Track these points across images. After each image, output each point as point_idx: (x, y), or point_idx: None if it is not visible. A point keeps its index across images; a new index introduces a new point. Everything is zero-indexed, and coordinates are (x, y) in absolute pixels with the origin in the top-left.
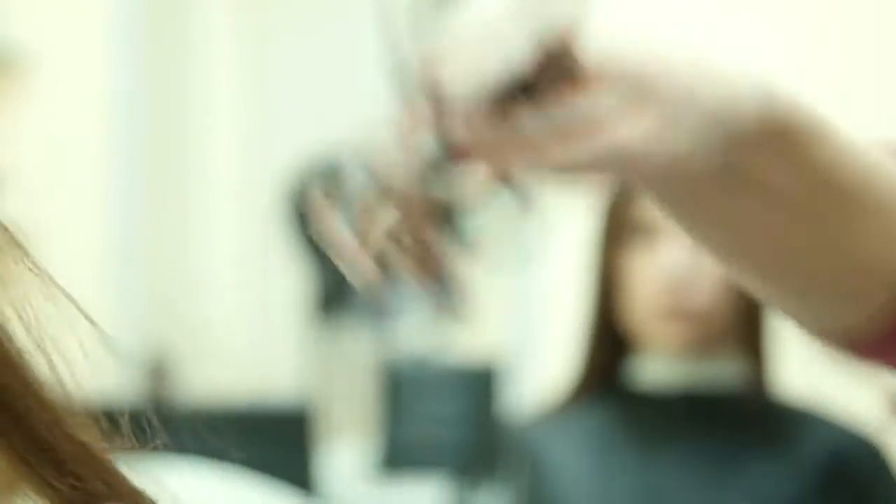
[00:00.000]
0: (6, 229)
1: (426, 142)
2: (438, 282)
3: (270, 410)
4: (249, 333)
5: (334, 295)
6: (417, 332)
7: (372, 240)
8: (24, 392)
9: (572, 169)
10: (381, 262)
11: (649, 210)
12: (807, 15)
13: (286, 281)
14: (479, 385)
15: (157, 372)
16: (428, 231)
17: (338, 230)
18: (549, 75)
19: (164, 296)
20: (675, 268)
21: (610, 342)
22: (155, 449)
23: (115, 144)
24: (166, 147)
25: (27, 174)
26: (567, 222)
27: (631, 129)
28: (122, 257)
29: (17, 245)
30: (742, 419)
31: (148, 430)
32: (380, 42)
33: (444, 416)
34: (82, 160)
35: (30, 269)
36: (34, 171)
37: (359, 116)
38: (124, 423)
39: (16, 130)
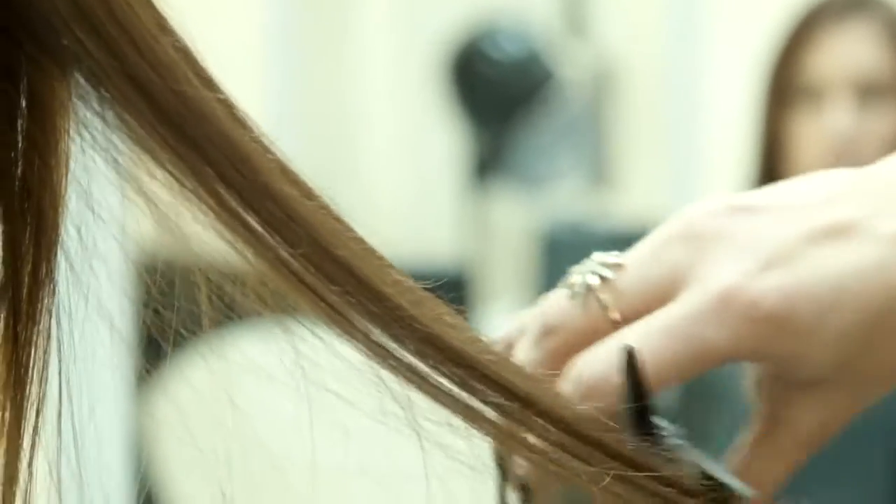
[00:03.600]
0: None
1: None
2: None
3: (427, 274)
4: (406, 198)
5: (490, 159)
6: (573, 197)
7: None
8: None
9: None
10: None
11: (814, 70)
12: None
13: (442, 146)
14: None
15: None
16: None
17: None
18: None
19: (321, 165)
20: (841, 130)
21: None
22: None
23: (270, 13)
24: (322, 13)
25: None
26: (729, 83)
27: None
28: (280, 128)
29: None
30: None
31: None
32: None
33: None
34: (239, 33)
35: None
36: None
37: None
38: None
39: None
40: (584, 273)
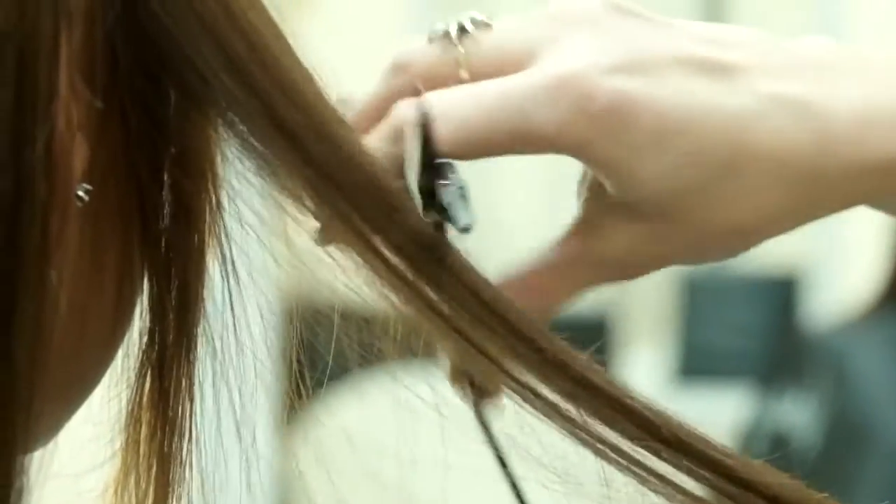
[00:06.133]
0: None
1: None
2: None
3: (570, 317)
4: (546, 241)
5: None
6: None
7: None
8: None
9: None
10: None
11: None
12: None
13: None
14: (779, 292)
15: None
16: None
17: None
18: None
19: None
20: None
21: None
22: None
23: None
24: None
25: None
26: None
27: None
28: None
29: None
30: None
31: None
32: None
33: (743, 323)
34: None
35: None
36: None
37: None
38: None
39: (308, 39)
40: (450, 23)
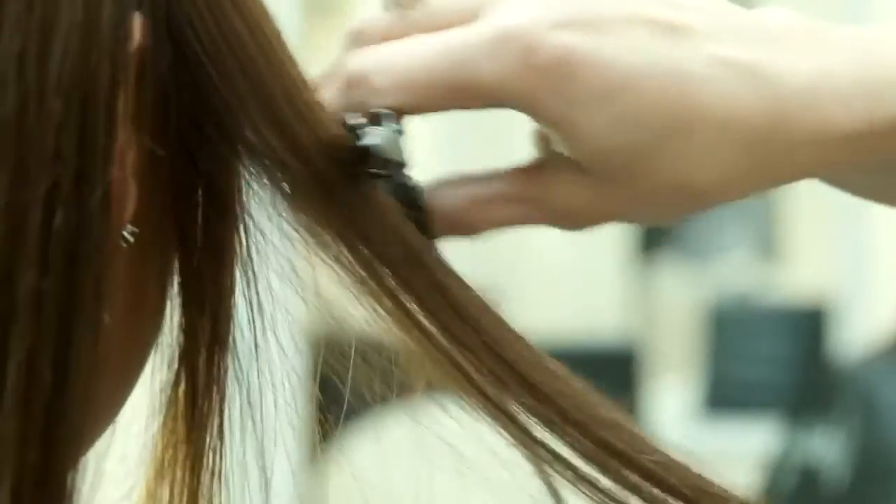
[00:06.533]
0: None
1: None
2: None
3: (595, 349)
4: (573, 272)
5: (657, 232)
6: (741, 270)
7: None
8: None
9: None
10: None
11: None
12: None
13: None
14: (806, 324)
15: None
16: None
17: None
18: None
19: (485, 242)
20: None
21: None
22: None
23: None
24: None
25: None
26: None
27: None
28: None
29: None
30: None
31: None
32: None
33: (770, 355)
34: None
35: None
36: None
37: None
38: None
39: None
40: None
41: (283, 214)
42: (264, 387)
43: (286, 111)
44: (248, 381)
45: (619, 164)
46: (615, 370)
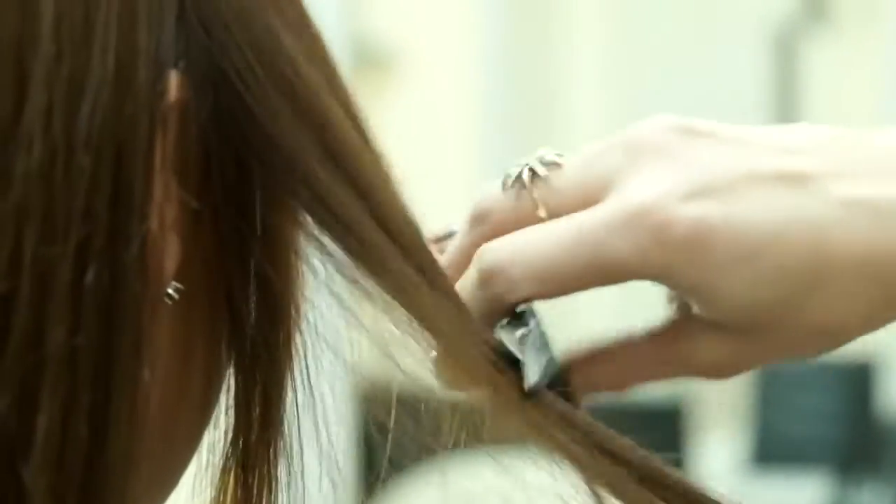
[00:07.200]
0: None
1: None
2: None
3: (644, 405)
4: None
5: None
6: None
7: None
8: None
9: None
10: None
11: None
12: None
13: None
14: (855, 378)
15: None
16: None
17: None
18: None
19: None
20: None
21: None
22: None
23: (482, 136)
24: (532, 143)
25: (398, 168)
26: None
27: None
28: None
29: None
30: None
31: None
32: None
33: (818, 410)
34: (451, 156)
35: None
36: (405, 165)
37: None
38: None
39: (387, 127)
40: (521, 167)
41: (341, 272)
42: (317, 447)
43: (345, 165)
44: (300, 442)
45: (759, 318)
46: (663, 426)
